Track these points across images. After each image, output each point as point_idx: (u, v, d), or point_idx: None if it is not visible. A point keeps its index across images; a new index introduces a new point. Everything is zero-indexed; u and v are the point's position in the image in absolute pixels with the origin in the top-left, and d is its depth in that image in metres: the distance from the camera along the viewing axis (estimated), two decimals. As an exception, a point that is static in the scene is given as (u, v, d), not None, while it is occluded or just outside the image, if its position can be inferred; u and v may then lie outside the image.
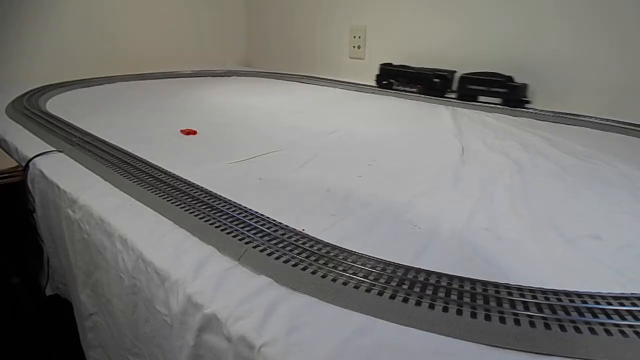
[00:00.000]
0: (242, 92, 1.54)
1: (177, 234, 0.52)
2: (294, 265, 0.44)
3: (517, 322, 0.37)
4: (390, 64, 1.53)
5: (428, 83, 1.41)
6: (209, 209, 0.56)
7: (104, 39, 1.71)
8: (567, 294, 0.41)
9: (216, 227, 0.52)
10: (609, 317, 0.37)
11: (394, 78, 1.50)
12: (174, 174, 0.68)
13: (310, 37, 1.90)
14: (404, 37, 1.58)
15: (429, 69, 1.44)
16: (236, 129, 1.03)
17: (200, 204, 0.57)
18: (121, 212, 0.58)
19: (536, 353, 0.35)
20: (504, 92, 1.25)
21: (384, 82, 1.52)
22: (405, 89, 1.46)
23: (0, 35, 1.49)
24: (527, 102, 1.25)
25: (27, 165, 0.78)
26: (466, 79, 1.33)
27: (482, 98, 1.30)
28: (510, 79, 1.25)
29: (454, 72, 1.39)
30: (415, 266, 0.45)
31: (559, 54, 1.21)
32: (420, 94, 1.42)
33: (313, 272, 0.43)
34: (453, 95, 1.36)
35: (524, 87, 1.25)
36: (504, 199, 0.64)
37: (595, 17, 1.14)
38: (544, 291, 0.41)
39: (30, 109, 1.10)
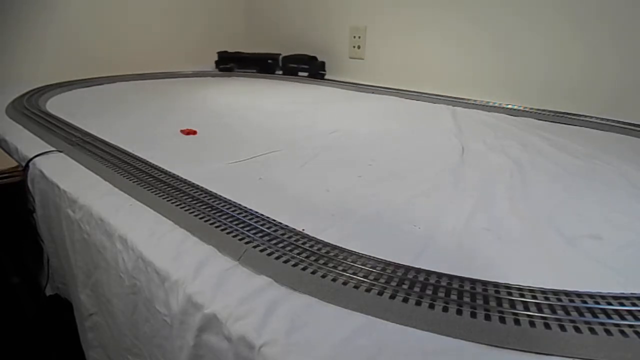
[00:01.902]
0: (242, 92, 1.54)
1: (177, 234, 0.52)
2: (294, 265, 0.44)
3: (517, 322, 0.37)
4: (226, 51, 1.92)
5: (264, 64, 1.87)
6: (209, 209, 0.56)
7: (104, 39, 1.71)
8: (567, 294, 0.41)
9: (216, 227, 0.52)
10: (609, 317, 0.37)
11: (233, 62, 1.89)
12: (174, 174, 0.68)
13: (310, 37, 1.90)
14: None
15: (260, 53, 1.89)
16: (236, 129, 1.03)
17: (200, 204, 0.57)
18: (121, 212, 0.58)
19: (536, 353, 0.35)
20: (308, 67, 1.79)
21: (225, 67, 1.90)
22: (246, 70, 1.89)
23: (1, 35, 1.49)
24: (324, 73, 1.79)
25: (27, 165, 0.78)
26: (287, 58, 1.84)
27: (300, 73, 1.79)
28: (315, 58, 1.78)
29: (279, 54, 1.87)
30: (415, 266, 0.45)
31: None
32: (258, 73, 1.87)
33: (313, 272, 0.43)
34: (280, 72, 1.85)
35: (322, 63, 1.78)
36: (504, 199, 0.64)
37: (595, 17, 1.14)
38: (544, 291, 0.41)
39: (30, 109, 1.10)
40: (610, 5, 1.11)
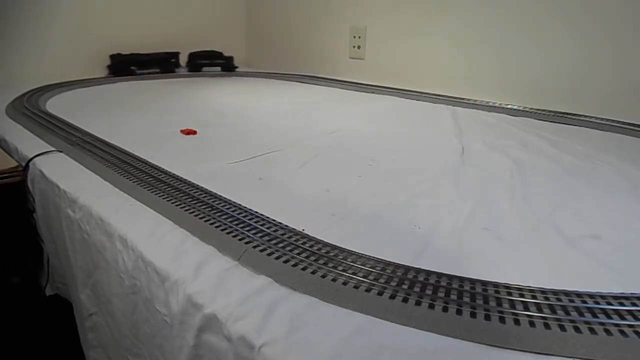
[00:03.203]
0: (242, 92, 1.54)
1: (177, 234, 0.52)
2: (294, 265, 0.44)
3: (517, 322, 0.37)
4: (119, 54, 1.71)
5: (165, 64, 1.79)
6: (209, 209, 0.56)
7: (105, 40, 1.71)
8: (567, 294, 0.41)
9: (216, 227, 0.52)
10: (609, 317, 0.37)
11: (131, 65, 1.72)
12: (174, 174, 0.68)
13: (310, 37, 1.90)
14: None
15: (157, 53, 1.79)
16: (236, 129, 1.03)
17: (200, 204, 0.57)
18: (121, 212, 0.58)
19: (536, 353, 0.35)
20: (222, 62, 1.86)
21: (123, 71, 1.69)
22: (147, 72, 1.75)
23: (1, 35, 1.49)
24: (236, 67, 1.89)
25: (27, 165, 0.78)
26: (195, 55, 1.85)
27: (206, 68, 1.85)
28: (221, 54, 1.86)
29: (179, 52, 1.84)
30: (415, 266, 0.45)
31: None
32: (161, 73, 1.76)
33: (313, 272, 0.43)
34: (183, 71, 1.83)
35: (231, 58, 1.87)
36: (504, 199, 0.64)
37: (593, 17, 1.14)
38: (543, 291, 0.41)
39: (30, 109, 1.10)
40: (608, 5, 1.11)
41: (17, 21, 1.51)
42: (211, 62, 1.85)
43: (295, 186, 0.68)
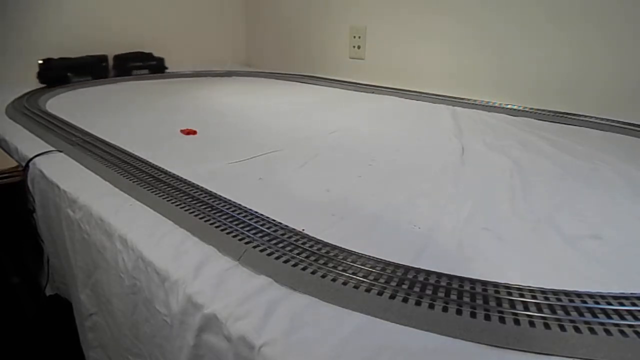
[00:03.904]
0: (242, 92, 1.54)
1: (177, 234, 0.52)
2: (294, 265, 0.44)
3: (516, 322, 0.37)
4: (50, 59, 1.47)
5: (98, 69, 1.61)
6: (209, 209, 0.56)
7: (105, 39, 1.71)
8: (567, 294, 0.41)
9: (216, 227, 0.52)
10: (609, 317, 0.37)
11: (67, 71, 1.49)
12: (174, 174, 0.68)
13: (310, 37, 1.90)
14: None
15: (85, 56, 1.59)
16: (236, 129, 1.03)
17: (200, 204, 0.57)
18: (121, 212, 0.58)
19: (536, 353, 0.35)
20: (153, 64, 1.73)
21: (56, 78, 1.44)
22: (80, 79, 1.54)
23: (1, 35, 1.49)
24: (166, 68, 1.77)
25: (27, 165, 0.78)
26: (121, 58, 1.67)
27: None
28: (151, 55, 1.74)
29: (106, 55, 1.66)
30: (415, 266, 0.45)
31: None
32: (94, 79, 1.57)
33: (313, 272, 0.43)
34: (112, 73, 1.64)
35: (162, 59, 1.76)
36: (504, 199, 0.64)
37: (592, 17, 1.14)
38: (543, 291, 0.41)
39: (30, 109, 1.10)
40: (608, 5, 1.11)
41: (17, 21, 1.51)
42: (144, 65, 1.71)
43: (295, 186, 0.68)
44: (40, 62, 1.43)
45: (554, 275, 0.45)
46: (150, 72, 1.72)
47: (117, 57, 1.67)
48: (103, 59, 1.65)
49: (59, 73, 1.46)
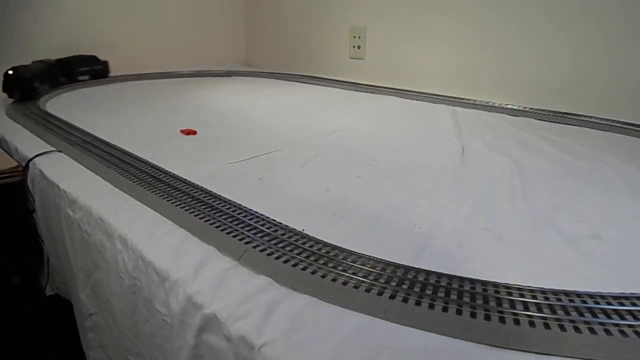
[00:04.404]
0: (242, 92, 1.54)
1: (177, 234, 0.52)
2: (294, 265, 0.44)
3: (516, 322, 0.37)
4: (14, 68, 1.18)
5: (74, 75, 1.47)
6: (209, 209, 0.56)
7: (104, 39, 1.71)
8: (567, 294, 0.41)
9: (216, 227, 0.52)
10: (609, 317, 0.37)
11: (35, 83, 1.24)
12: (174, 174, 0.68)
13: (310, 37, 1.90)
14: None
15: (40, 61, 1.34)
16: (236, 129, 1.03)
17: (200, 204, 0.57)
18: (121, 212, 0.58)
19: (536, 353, 0.35)
20: (98, 68, 1.54)
21: (28, 91, 1.20)
22: (50, 91, 1.33)
23: (1, 35, 1.49)
24: (109, 73, 1.60)
25: (27, 165, 0.78)
26: (65, 62, 1.45)
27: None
28: (95, 58, 1.55)
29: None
30: (415, 266, 0.45)
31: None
32: (65, 85, 1.42)
33: (313, 272, 0.43)
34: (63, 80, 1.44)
35: (106, 62, 1.59)
36: (504, 199, 0.64)
37: (592, 17, 1.14)
38: (543, 291, 0.41)
39: (30, 109, 1.10)
40: (608, 5, 1.11)
41: (17, 22, 1.51)
42: (90, 70, 1.51)
43: (295, 186, 0.68)
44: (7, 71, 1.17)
45: (554, 275, 0.45)
46: (91, 78, 1.52)
47: (61, 61, 1.45)
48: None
49: (25, 87, 1.20)
